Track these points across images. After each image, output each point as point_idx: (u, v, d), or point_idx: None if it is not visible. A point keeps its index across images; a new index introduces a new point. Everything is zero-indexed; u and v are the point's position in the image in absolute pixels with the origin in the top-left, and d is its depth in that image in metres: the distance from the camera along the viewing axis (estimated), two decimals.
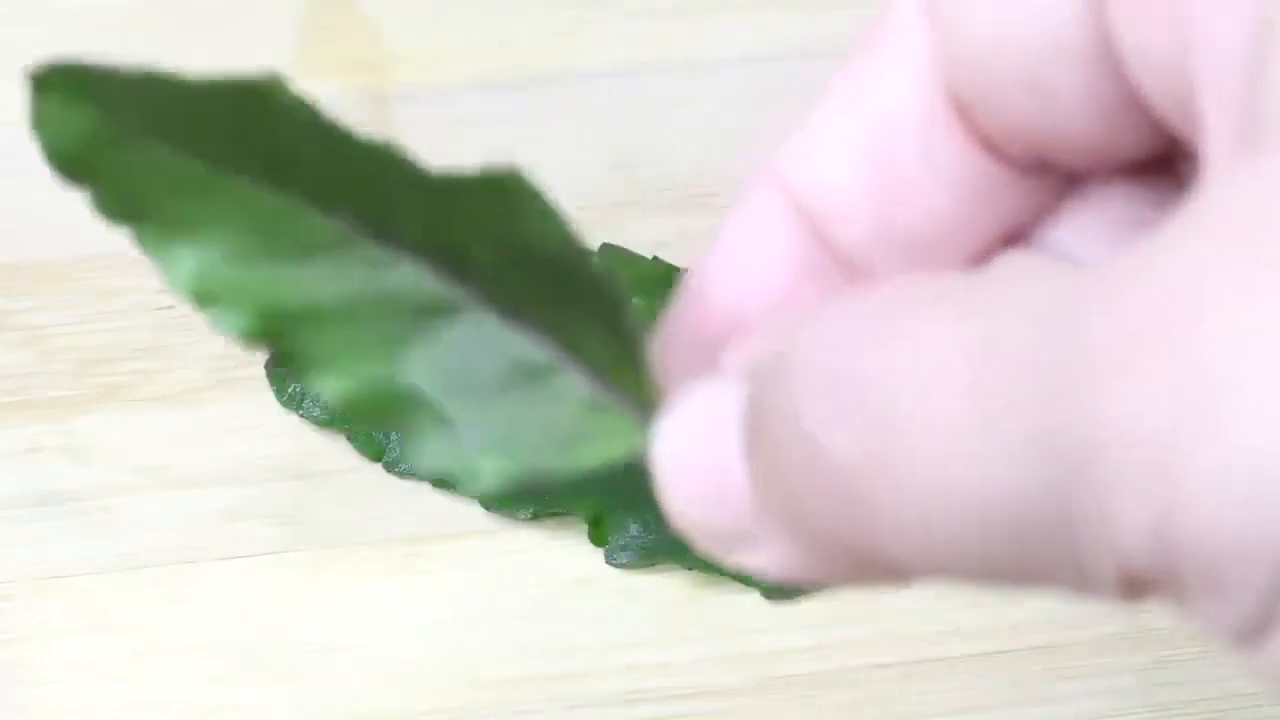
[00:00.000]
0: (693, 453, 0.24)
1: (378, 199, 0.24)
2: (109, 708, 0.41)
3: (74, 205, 0.46)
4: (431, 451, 0.25)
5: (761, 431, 0.23)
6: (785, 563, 0.23)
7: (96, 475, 0.43)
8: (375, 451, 0.43)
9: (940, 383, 0.21)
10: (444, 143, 0.47)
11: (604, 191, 0.46)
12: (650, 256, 0.44)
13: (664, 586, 0.42)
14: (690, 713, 0.41)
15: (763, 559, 0.23)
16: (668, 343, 0.26)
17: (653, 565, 0.42)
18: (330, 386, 0.25)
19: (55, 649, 0.42)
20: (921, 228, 0.25)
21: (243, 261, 0.25)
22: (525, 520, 0.42)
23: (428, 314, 0.25)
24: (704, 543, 0.24)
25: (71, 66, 0.24)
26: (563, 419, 0.25)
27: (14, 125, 0.48)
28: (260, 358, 0.44)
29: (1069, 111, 0.24)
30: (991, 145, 0.25)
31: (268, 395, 0.44)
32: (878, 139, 0.25)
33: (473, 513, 0.43)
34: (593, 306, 0.25)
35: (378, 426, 0.25)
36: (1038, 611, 0.42)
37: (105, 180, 0.25)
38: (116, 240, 0.49)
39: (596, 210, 0.46)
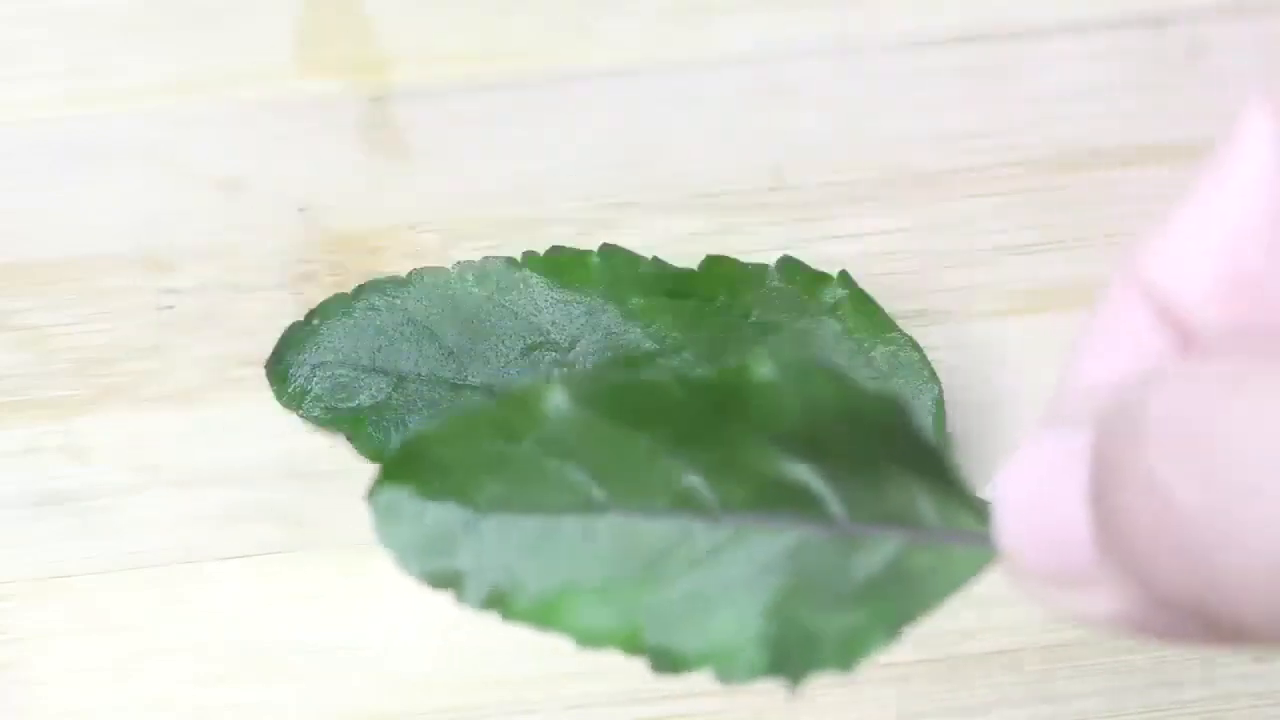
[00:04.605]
0: (1036, 494, 0.24)
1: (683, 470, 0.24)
2: (109, 708, 0.41)
3: (74, 205, 0.46)
4: (817, 661, 0.26)
5: (1108, 479, 0.23)
6: (1123, 609, 0.23)
7: (96, 475, 0.43)
8: (375, 452, 0.43)
9: None
10: (444, 143, 0.47)
11: (604, 191, 0.46)
12: (650, 257, 0.44)
13: None
14: (690, 712, 0.41)
15: (1100, 604, 0.24)
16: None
17: None
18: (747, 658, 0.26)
19: (55, 649, 0.42)
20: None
21: (620, 596, 0.25)
22: None
23: (788, 559, 0.25)
24: (1039, 584, 0.24)
25: (409, 451, 0.23)
26: (915, 575, 0.26)
27: (14, 125, 0.48)
28: (260, 357, 0.44)
29: None
30: None
31: (268, 395, 0.44)
32: (1235, 246, 0.25)
33: None
34: (912, 456, 0.25)
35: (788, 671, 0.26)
36: (1037, 612, 0.42)
37: (473, 572, 0.24)
38: (116, 240, 0.49)
39: (596, 210, 0.46)
